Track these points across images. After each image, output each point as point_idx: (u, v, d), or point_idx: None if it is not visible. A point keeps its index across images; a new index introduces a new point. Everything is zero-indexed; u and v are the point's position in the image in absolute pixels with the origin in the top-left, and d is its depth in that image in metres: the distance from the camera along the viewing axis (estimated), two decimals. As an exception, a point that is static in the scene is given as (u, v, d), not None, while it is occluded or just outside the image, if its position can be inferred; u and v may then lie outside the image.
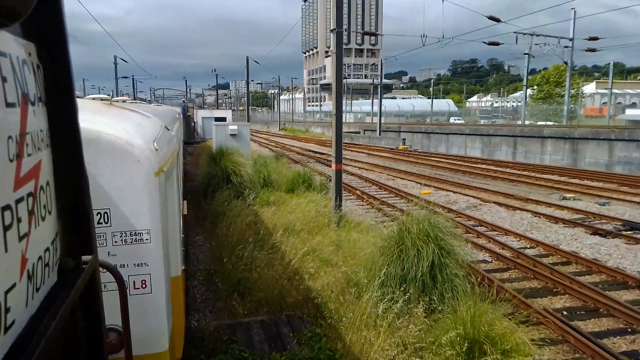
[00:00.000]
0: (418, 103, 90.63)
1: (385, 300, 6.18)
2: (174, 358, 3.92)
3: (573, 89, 49.21)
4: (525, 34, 34.68)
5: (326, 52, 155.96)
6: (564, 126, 33.85)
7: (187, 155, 23.85)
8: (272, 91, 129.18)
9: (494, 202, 16.12)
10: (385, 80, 54.03)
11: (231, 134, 19.92)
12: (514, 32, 33.84)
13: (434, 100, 73.85)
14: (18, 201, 0.97)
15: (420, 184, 20.32)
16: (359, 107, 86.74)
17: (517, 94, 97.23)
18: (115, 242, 3.28)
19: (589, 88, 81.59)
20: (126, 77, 65.72)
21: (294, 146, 41.12)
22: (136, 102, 8.79)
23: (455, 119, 67.35)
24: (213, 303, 7.48)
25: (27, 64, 1.08)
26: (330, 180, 15.47)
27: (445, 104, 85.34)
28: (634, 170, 23.76)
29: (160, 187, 3.46)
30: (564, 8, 34.05)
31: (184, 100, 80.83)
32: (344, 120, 13.61)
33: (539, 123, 45.98)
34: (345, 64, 12.53)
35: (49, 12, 1.14)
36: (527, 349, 5.51)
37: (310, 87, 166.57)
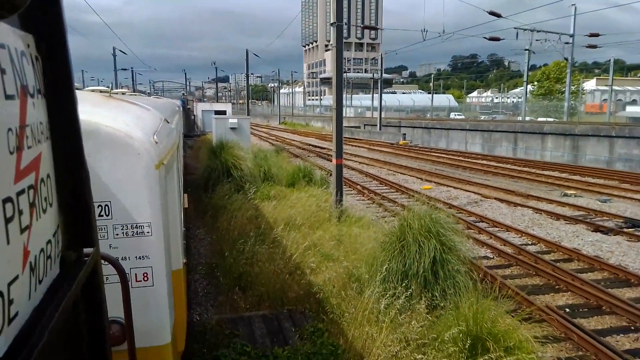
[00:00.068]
0: (418, 98, 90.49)
1: (387, 295, 6.15)
2: (176, 351, 3.90)
3: (573, 85, 49.17)
4: (525, 29, 34.55)
5: (326, 45, 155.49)
6: (564, 122, 33.77)
7: (187, 149, 23.77)
8: (272, 85, 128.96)
9: (495, 198, 16.09)
10: (385, 75, 53.87)
11: (231, 128, 19.83)
12: (515, 28, 33.71)
13: (434, 95, 73.71)
14: (19, 193, 0.96)
15: (421, 179, 20.28)
16: (359, 101, 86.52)
17: (517, 90, 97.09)
18: (117, 234, 3.26)
19: (590, 85, 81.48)
20: (125, 69, 65.45)
21: (294, 140, 41.05)
22: (136, 95, 8.71)
23: (455, 115, 67.21)
24: (215, 297, 7.45)
25: (26, 55, 1.07)
26: (330, 174, 15.42)
27: (445, 99, 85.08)
28: (634, 167, 23.71)
29: (160, 180, 3.43)
30: (564, 4, 33.83)
31: (183, 93, 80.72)
32: (344, 114, 13.53)
33: (540, 119, 45.92)
34: (345, 58, 12.41)
35: (47, 4, 1.13)
36: (530, 346, 5.49)
37: (310, 80, 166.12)
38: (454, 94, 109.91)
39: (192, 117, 43.87)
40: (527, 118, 45.56)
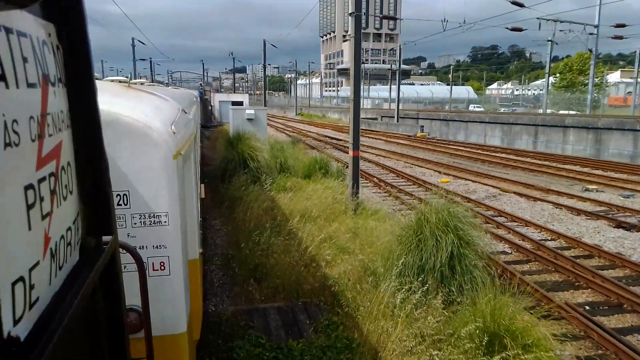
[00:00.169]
0: (437, 90, 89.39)
1: (403, 290, 6.10)
2: (191, 340, 3.93)
3: (597, 77, 47.98)
4: (548, 19, 33.80)
5: (344, 36, 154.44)
6: (587, 116, 33.05)
7: (205, 139, 23.90)
8: (289, 75, 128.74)
9: (514, 192, 15.85)
10: (403, 66, 53.28)
11: (248, 119, 19.85)
12: (537, 18, 32.99)
13: (453, 87, 72.63)
14: (40, 181, 0.98)
15: (439, 172, 20.09)
16: (376, 92, 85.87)
17: (538, 82, 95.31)
18: (135, 224, 3.29)
19: (614, 77, 79.49)
20: (144, 60, 66.09)
21: (310, 132, 40.99)
22: (154, 85, 8.74)
23: (474, 107, 66.23)
24: (230, 288, 7.48)
25: (47, 44, 1.08)
26: (347, 166, 15.34)
27: (464, 91, 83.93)
28: (659, 162, 23.12)
29: (178, 170, 3.45)
30: (589, -6, 33.01)
31: (201, 84, 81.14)
32: (361, 106, 13.42)
33: (561, 112, 44.98)
34: (363, 49, 12.32)
35: None
36: (548, 344, 5.40)
37: (328, 71, 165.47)
38: (473, 85, 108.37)
39: (210, 107, 44.07)
40: (549, 111, 44.68)
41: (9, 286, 0.82)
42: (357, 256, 7.69)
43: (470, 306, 5.82)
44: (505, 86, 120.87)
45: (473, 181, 18.03)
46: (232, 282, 7.66)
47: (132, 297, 2.42)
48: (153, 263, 3.38)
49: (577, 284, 8.42)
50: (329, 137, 35.60)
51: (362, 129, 12.43)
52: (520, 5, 26.02)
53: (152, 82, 21.30)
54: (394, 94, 49.63)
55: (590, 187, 16.85)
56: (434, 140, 35.02)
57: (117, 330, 1.39)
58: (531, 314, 5.83)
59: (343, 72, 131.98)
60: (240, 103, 33.87)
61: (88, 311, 1.24)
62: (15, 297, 0.83)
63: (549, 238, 10.99)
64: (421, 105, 71.36)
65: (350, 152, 12.14)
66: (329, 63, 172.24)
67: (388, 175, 19.28)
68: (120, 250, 1.53)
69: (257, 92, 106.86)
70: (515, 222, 12.28)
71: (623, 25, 30.95)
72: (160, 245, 3.37)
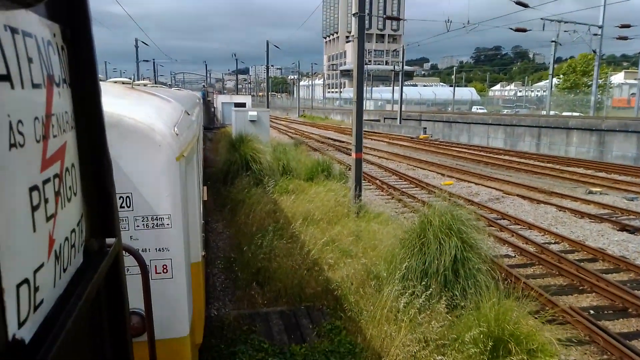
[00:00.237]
0: (440, 91, 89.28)
1: (407, 294, 6.06)
2: (194, 343, 3.92)
3: (601, 78, 47.81)
4: (552, 20, 33.71)
5: (347, 37, 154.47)
6: (590, 117, 32.93)
7: (207, 141, 23.91)
8: (292, 77, 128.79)
9: (517, 195, 15.79)
10: (406, 67, 53.08)
11: (250, 120, 19.84)
12: (541, 19, 32.90)
13: (456, 88, 72.56)
14: (45, 182, 0.98)
15: (442, 174, 20.04)
16: (379, 94, 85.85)
17: (541, 83, 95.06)
18: (137, 226, 3.28)
19: (617, 78, 79.24)
20: (147, 61, 66.21)
21: (313, 133, 40.98)
22: (157, 86, 8.74)
23: (477, 108, 66.14)
24: (232, 292, 7.46)
25: (52, 45, 1.08)
26: (349, 169, 15.31)
27: (467, 93, 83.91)
28: (663, 164, 23.01)
29: (181, 172, 3.44)
30: (593, -6, 32.90)
31: (204, 85, 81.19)
32: (363, 107, 13.38)
33: (565, 114, 44.86)
34: (366, 50, 12.25)
35: None
36: (553, 349, 5.36)
37: (330, 73, 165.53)
38: (476, 87, 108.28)
39: (212, 109, 44.10)
40: (552, 112, 44.55)
41: (13, 288, 0.81)
42: (360, 260, 7.65)
43: (474, 310, 5.79)
44: (508, 87, 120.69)
45: (476, 183, 17.98)
46: (235, 285, 7.63)
47: (134, 300, 2.40)
48: (156, 266, 3.37)
49: (581, 287, 8.37)
50: (332, 139, 35.58)
51: (364, 131, 12.39)
52: (525, 5, 25.93)
53: (155, 83, 21.33)
54: (396, 96, 49.53)
55: (594, 189, 16.78)
56: (436, 142, 34.96)
57: (121, 333, 1.39)
58: (536, 318, 5.79)
59: (346, 73, 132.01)
60: (243, 105, 33.90)
61: (92, 314, 1.24)
62: (20, 299, 0.83)
63: (553, 241, 10.93)
64: (424, 107, 71.27)
65: (353, 155, 12.12)
66: (332, 64, 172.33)
67: (391, 178, 19.24)
68: (124, 252, 1.53)
69: (260, 94, 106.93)
70: (519, 224, 12.23)
71: (628, 26, 30.84)
72: (163, 248, 3.36)
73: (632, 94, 64.93)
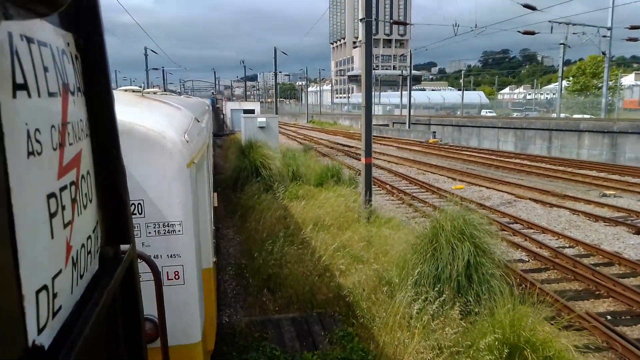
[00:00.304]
0: (448, 95, 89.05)
1: (420, 300, 5.98)
2: (206, 350, 3.92)
3: (611, 80, 47.36)
4: (561, 23, 33.49)
5: (354, 42, 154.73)
6: (602, 119, 32.57)
7: (217, 148, 24.00)
8: (300, 83, 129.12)
9: (530, 199, 15.62)
10: (414, 72, 52.99)
11: (260, 127, 19.90)
12: (549, 21, 32.70)
13: (465, 92, 72.28)
14: (62, 189, 0.99)
15: (452, 178, 19.91)
16: (387, 99, 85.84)
17: (550, 86, 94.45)
18: (149, 233, 3.29)
19: (628, 80, 78.48)
20: (156, 69, 66.73)
21: (322, 139, 41.00)
22: (167, 94, 8.78)
23: (486, 112, 65.81)
24: (244, 298, 7.43)
25: (66, 53, 1.10)
26: (359, 174, 15.26)
27: (476, 96, 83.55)
28: (678, 166, 22.66)
29: (191, 178, 3.45)
30: (602, -5, 32.67)
31: (213, 92, 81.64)
32: (372, 112, 13.33)
33: (575, 116, 44.48)
34: (373, 55, 12.23)
35: (86, 3, 1.16)
36: (570, 356, 5.25)
37: (338, 78, 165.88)
38: (485, 90, 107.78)
39: (222, 116, 44.28)
40: (562, 115, 44.18)
41: (33, 295, 0.82)
42: (371, 265, 7.59)
43: (488, 317, 5.70)
44: (517, 91, 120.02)
45: (487, 187, 17.82)
46: (246, 292, 7.60)
47: (146, 307, 2.43)
48: (167, 272, 3.38)
49: (597, 292, 8.22)
50: (341, 144, 35.55)
51: (373, 136, 12.35)
52: (532, 8, 25.76)
53: (165, 91, 21.47)
54: (405, 100, 49.45)
55: (608, 192, 16.55)
56: (446, 147, 34.78)
57: (136, 339, 1.39)
58: (552, 324, 5.68)
59: (354, 78, 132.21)
60: (252, 111, 34.00)
61: (108, 320, 1.24)
62: (39, 305, 0.84)
63: (567, 245, 10.78)
64: (432, 111, 71.11)
65: (363, 159, 12.07)
66: (340, 70, 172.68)
67: (401, 182, 19.15)
68: None
69: (269, 100, 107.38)
70: (532, 229, 12.08)
71: (638, 27, 30.51)
72: (174, 255, 3.37)
73: (644, 95, 64.21)
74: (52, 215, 0.92)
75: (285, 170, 14.73)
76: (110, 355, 1.31)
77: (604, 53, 36.51)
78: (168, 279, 3.36)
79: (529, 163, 24.82)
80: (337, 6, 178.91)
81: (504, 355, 5.05)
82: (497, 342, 5.20)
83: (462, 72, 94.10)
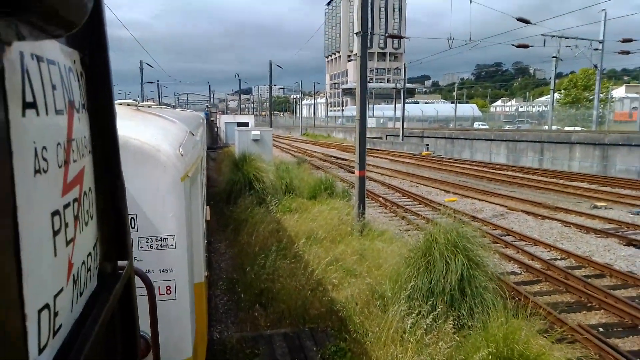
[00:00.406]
0: (441, 108, 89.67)
1: (413, 314, 5.97)
2: None
3: (602, 93, 47.95)
4: (553, 36, 33.92)
5: (348, 56, 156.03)
6: (593, 132, 32.91)
7: (210, 161, 23.96)
8: (295, 96, 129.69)
9: (522, 211, 15.68)
10: (408, 85, 53.35)
11: (254, 140, 19.93)
12: (542, 35, 33.12)
13: (458, 104, 72.85)
14: (65, 206, 0.99)
15: (445, 191, 19.97)
16: (381, 111, 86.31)
17: (542, 99, 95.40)
18: (141, 247, 3.26)
19: (619, 92, 79.51)
20: (151, 82, 66.77)
21: (315, 152, 41.07)
22: (161, 107, 8.79)
23: (479, 124, 66.28)
24: (235, 314, 7.37)
25: (73, 71, 1.11)
26: (352, 186, 15.27)
27: (469, 109, 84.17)
28: (668, 177, 22.88)
29: (185, 192, 3.44)
30: (593, 10, 33.13)
31: (207, 105, 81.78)
32: (366, 125, 13.39)
33: (567, 128, 44.92)
34: (368, 68, 12.26)
35: (92, 21, 1.17)
36: (563, 370, 5.24)
37: (333, 91, 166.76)
38: (477, 103, 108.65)
39: (216, 129, 44.29)
40: (554, 127, 44.59)
41: (35, 314, 0.81)
42: (364, 279, 7.57)
43: (481, 330, 5.68)
44: (509, 103, 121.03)
45: (480, 200, 17.89)
46: (237, 307, 7.54)
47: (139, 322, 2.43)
48: (159, 287, 3.34)
49: (589, 304, 8.24)
50: (334, 156, 35.63)
51: (367, 148, 12.38)
52: (526, 22, 26.06)
53: (159, 104, 21.50)
54: (398, 113, 49.70)
55: (599, 204, 16.66)
56: (439, 159, 34.95)
57: (131, 356, 1.38)
58: (545, 337, 5.67)
59: (348, 91, 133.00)
60: (246, 124, 34.08)
61: (106, 338, 1.24)
62: (41, 324, 0.83)
63: (559, 257, 10.81)
64: (426, 124, 71.51)
65: (356, 172, 12.09)
66: (334, 83, 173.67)
67: (394, 195, 19.18)
68: None
69: (263, 113, 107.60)
70: (524, 241, 12.11)
71: (630, 40, 30.89)
72: (166, 269, 3.34)
73: (634, 107, 65.08)
74: (55, 233, 0.93)
75: (278, 183, 14.72)
76: None
77: (595, 66, 36.98)
78: (160, 294, 3.32)
79: (521, 175, 24.97)
80: (332, 20, 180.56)
81: (497, 370, 5.04)
82: (490, 356, 5.18)
83: (456, 85, 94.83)
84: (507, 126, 63.80)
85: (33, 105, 0.84)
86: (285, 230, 10.60)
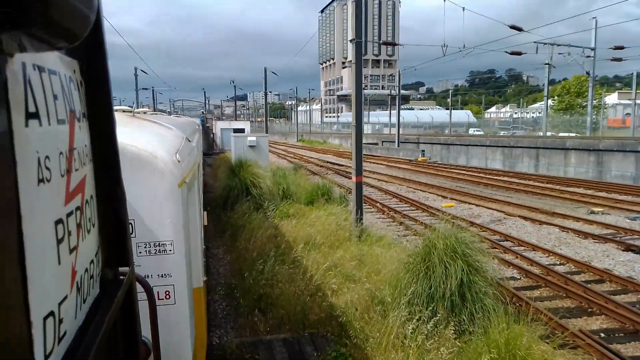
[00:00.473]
0: (436, 114, 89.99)
1: (414, 320, 5.91)
2: None
3: (595, 99, 48.28)
4: (546, 43, 34.18)
5: (343, 62, 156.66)
6: (587, 137, 33.09)
7: (206, 167, 23.89)
8: (290, 102, 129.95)
9: (519, 216, 15.68)
10: (402, 91, 53.67)
11: (250, 146, 19.91)
12: (535, 42, 33.36)
13: (452, 111, 73.02)
14: (68, 215, 1.01)
15: (442, 196, 19.97)
16: (376, 118, 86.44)
17: (536, 105, 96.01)
18: (140, 253, 3.27)
19: (611, 99, 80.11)
20: (146, 89, 66.67)
21: (312, 157, 41.06)
22: (157, 114, 8.75)
23: (474, 130, 66.52)
24: (234, 319, 7.29)
25: (73, 81, 1.12)
26: (349, 192, 15.24)
27: (464, 115, 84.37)
28: (663, 183, 23.00)
29: (182, 198, 3.44)
30: (584, 18, 33.51)
31: (202, 112, 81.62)
32: (362, 131, 13.40)
33: (561, 134, 45.14)
34: (362, 75, 12.29)
35: (91, 30, 1.16)
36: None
37: (328, 98, 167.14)
38: (472, 109, 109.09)
39: (211, 135, 44.22)
40: (548, 133, 44.84)
41: (41, 321, 0.82)
42: (363, 284, 7.51)
43: (483, 336, 5.64)
44: (503, 110, 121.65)
45: (477, 205, 17.89)
46: (236, 312, 7.46)
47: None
48: (158, 292, 3.32)
49: (590, 310, 8.21)
50: (331, 162, 35.62)
51: (363, 154, 12.39)
52: (519, 29, 26.26)
53: (155, 110, 21.44)
54: (394, 119, 49.87)
55: (596, 209, 16.69)
56: (435, 165, 35.00)
57: None
58: (547, 343, 5.63)
59: (343, 98, 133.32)
60: (242, 130, 34.02)
61: (109, 344, 1.24)
62: (46, 331, 0.84)
63: (558, 262, 10.79)
64: (421, 130, 71.69)
65: (354, 178, 12.07)
66: (329, 89, 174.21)
67: (391, 200, 19.15)
68: None
69: (258, 119, 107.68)
70: (522, 246, 12.09)
71: (622, 48, 31.21)
72: (165, 274, 3.35)
73: (627, 114, 65.48)
74: (59, 241, 0.94)
75: (275, 189, 14.68)
76: None
77: (588, 73, 37.27)
78: (159, 299, 3.30)
79: (517, 181, 25.03)
80: (326, 27, 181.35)
81: (500, 376, 4.99)
82: (492, 362, 5.14)
83: (450, 91, 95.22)
84: (502, 132, 63.99)
85: (36, 115, 0.85)
86: (283, 235, 10.54)
